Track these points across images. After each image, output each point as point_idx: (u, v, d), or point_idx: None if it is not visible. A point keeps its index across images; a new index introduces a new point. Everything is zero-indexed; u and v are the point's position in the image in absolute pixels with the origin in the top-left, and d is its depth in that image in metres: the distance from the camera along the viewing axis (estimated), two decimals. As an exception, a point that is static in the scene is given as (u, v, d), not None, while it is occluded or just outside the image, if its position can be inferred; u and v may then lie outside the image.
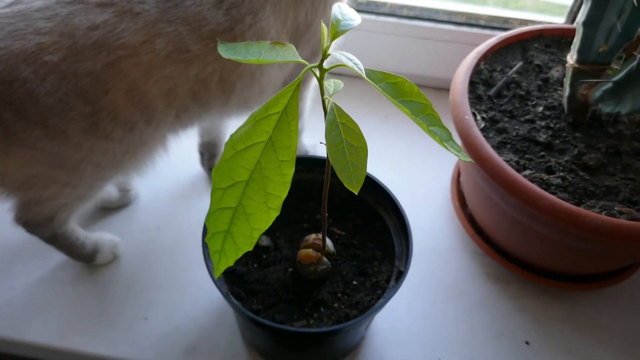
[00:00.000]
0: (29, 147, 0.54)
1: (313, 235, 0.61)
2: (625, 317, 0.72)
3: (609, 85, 0.62)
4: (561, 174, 0.64)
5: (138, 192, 0.83)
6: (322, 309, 0.60)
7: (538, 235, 0.65)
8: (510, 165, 0.63)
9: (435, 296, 0.73)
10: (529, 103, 0.72)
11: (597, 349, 0.69)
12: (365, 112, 0.94)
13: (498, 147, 0.67)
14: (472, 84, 0.73)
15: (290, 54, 0.42)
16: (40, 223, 0.64)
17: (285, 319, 0.59)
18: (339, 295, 0.61)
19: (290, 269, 0.63)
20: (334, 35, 0.40)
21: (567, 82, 0.67)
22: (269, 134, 0.39)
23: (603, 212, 0.59)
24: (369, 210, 0.66)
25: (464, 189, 0.81)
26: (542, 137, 0.67)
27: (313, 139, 0.86)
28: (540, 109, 0.71)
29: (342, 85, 0.45)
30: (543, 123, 0.69)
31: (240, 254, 0.40)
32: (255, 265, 0.64)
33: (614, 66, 0.64)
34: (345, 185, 0.39)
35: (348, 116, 0.40)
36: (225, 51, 0.43)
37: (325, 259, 0.60)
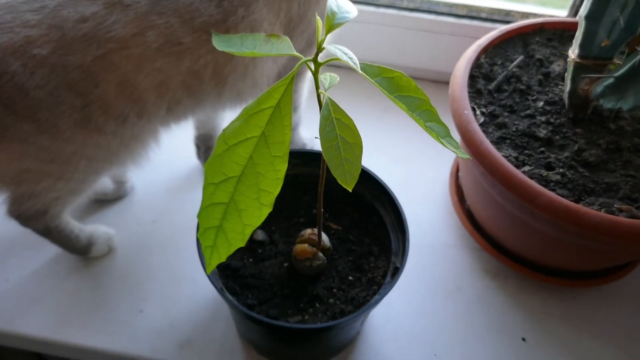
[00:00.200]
0: (20, 141, 0.54)
1: (309, 230, 0.61)
2: (623, 314, 0.71)
3: (611, 80, 0.61)
4: (561, 170, 0.63)
5: (134, 184, 0.82)
6: (317, 305, 0.59)
7: (536, 232, 0.64)
8: (509, 161, 0.62)
9: (432, 292, 0.73)
10: (530, 98, 0.71)
11: (593, 346, 0.68)
12: (364, 105, 0.93)
13: (497, 143, 0.66)
14: (472, 78, 0.72)
15: (285, 46, 0.41)
16: (33, 216, 0.63)
17: (280, 314, 0.58)
18: (335, 290, 0.60)
19: (285, 264, 0.63)
20: (329, 28, 0.39)
21: (568, 76, 0.66)
22: (261, 128, 0.38)
23: (602, 210, 0.58)
24: (366, 205, 0.66)
25: (462, 184, 0.80)
26: (542, 132, 0.67)
27: (310, 132, 0.86)
28: (541, 104, 0.70)
29: (338, 79, 0.44)
30: (543, 118, 0.68)
31: (232, 250, 0.40)
32: (251, 259, 0.63)
33: (616, 61, 0.63)
34: (340, 182, 0.39)
35: (343, 111, 0.39)
36: (219, 43, 0.42)
37: (320, 254, 0.60)
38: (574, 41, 0.65)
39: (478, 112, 0.69)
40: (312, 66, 0.40)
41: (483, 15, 0.93)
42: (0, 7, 0.49)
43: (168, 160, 0.84)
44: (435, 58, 0.96)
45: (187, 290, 0.72)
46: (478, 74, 0.73)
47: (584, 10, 0.61)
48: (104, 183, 0.78)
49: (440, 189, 0.84)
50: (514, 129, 0.67)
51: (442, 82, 0.96)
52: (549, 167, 0.63)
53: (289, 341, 0.61)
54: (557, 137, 0.66)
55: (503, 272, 0.75)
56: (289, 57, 0.66)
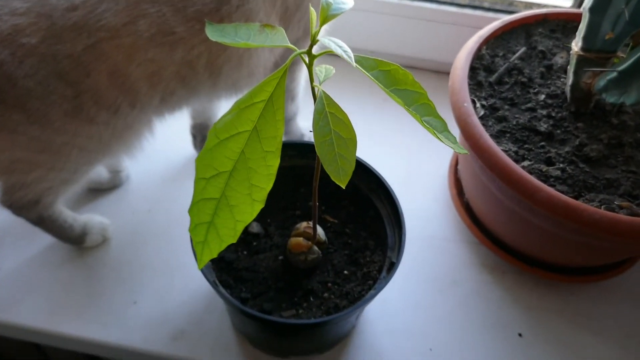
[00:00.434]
0: (9, 131, 0.53)
1: (304, 224, 0.60)
2: (620, 310, 0.71)
3: (614, 74, 0.60)
4: (561, 165, 0.62)
5: (129, 173, 0.81)
6: (311, 299, 0.59)
7: (535, 228, 0.64)
8: (508, 155, 0.61)
9: (428, 285, 0.72)
10: (531, 91, 0.70)
11: (590, 342, 0.68)
12: (363, 95, 0.92)
13: (497, 136, 0.65)
14: (473, 70, 0.71)
15: (280, 37, 0.40)
16: (25, 206, 0.62)
17: (274, 308, 0.58)
18: (330, 285, 0.60)
19: (280, 257, 0.62)
20: (324, 19, 0.38)
21: (571, 69, 0.65)
22: (254, 123, 0.37)
23: (602, 206, 0.57)
24: (363, 198, 0.65)
25: (461, 177, 0.79)
26: (543, 126, 0.66)
27: (309, 122, 0.84)
28: (542, 97, 0.69)
29: (334, 71, 0.43)
30: (544, 112, 0.67)
31: (224, 246, 0.39)
32: (245, 252, 0.62)
33: (620, 55, 0.62)
34: (333, 178, 0.38)
35: (337, 105, 0.38)
36: (213, 33, 0.41)
37: (315, 247, 0.59)
38: (577, 33, 0.63)
39: (478, 104, 0.68)
40: (307, 59, 0.39)
41: (486, 4, 0.91)
42: None
43: (163, 149, 0.83)
44: (437, 48, 0.94)
45: (181, 280, 0.71)
46: (479, 65, 0.72)
47: (588, 1, 0.60)
48: (99, 172, 0.77)
49: (439, 181, 0.83)
50: (514, 123, 0.66)
51: (443, 72, 0.94)
52: (549, 162, 0.62)
53: (282, 335, 0.61)
54: (558, 131, 0.65)
55: (501, 266, 0.74)
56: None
